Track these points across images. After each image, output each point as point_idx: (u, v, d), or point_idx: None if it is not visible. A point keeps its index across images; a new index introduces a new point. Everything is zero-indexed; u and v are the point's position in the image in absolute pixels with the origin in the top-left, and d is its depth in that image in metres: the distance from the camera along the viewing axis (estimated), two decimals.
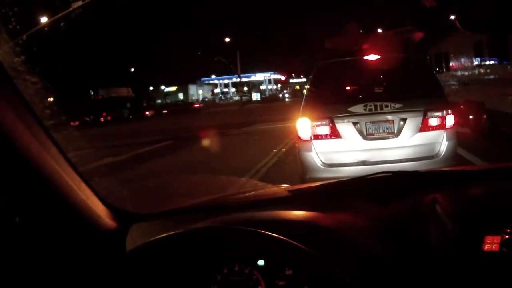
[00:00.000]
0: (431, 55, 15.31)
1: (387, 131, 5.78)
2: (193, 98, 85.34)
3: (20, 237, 1.21)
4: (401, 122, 5.75)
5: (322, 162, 5.83)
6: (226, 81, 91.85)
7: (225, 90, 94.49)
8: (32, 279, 1.23)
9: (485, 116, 10.98)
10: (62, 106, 1.47)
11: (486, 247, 1.30)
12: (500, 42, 9.92)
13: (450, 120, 5.83)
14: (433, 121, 5.77)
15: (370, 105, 5.79)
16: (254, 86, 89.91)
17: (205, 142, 16.23)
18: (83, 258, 1.31)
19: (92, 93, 67.21)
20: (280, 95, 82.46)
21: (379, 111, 5.78)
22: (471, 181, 1.74)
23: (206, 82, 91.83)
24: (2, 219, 1.18)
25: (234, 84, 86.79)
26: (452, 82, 13.13)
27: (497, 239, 1.30)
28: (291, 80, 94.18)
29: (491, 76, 10.85)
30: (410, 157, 5.75)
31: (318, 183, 1.85)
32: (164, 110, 56.87)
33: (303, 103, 6.27)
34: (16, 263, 1.21)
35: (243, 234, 1.29)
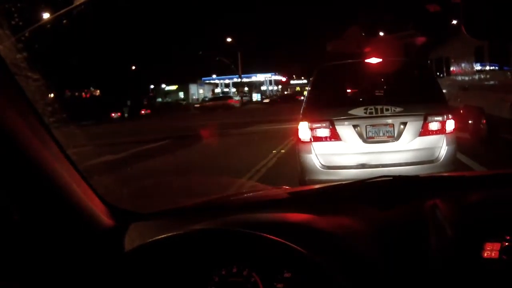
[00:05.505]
0: (432, 59, 15.32)
1: (387, 134, 5.78)
2: (194, 97, 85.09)
3: (18, 234, 1.20)
4: (401, 126, 5.75)
5: (321, 164, 5.82)
6: (227, 81, 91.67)
7: (226, 90, 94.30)
8: (29, 276, 1.22)
9: (484, 122, 10.99)
10: (63, 104, 1.47)
11: (485, 254, 1.29)
12: (501, 48, 9.93)
13: (450, 125, 5.83)
14: (433, 126, 5.77)
15: (371, 108, 5.79)
16: (255, 86, 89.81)
17: (204, 142, 16.21)
18: (81, 255, 1.30)
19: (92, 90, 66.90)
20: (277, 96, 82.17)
21: (379, 114, 5.78)
22: (471, 187, 1.74)
23: (207, 81, 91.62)
24: (0, 216, 1.17)
25: (235, 84, 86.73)
26: (452, 87, 13.14)
27: (496, 246, 1.30)
28: (291, 82, 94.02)
29: (491, 82, 10.86)
30: (409, 161, 5.74)
31: (318, 186, 1.85)
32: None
33: (303, 105, 6.27)
34: (13, 260, 1.21)
35: (242, 236, 1.29)
